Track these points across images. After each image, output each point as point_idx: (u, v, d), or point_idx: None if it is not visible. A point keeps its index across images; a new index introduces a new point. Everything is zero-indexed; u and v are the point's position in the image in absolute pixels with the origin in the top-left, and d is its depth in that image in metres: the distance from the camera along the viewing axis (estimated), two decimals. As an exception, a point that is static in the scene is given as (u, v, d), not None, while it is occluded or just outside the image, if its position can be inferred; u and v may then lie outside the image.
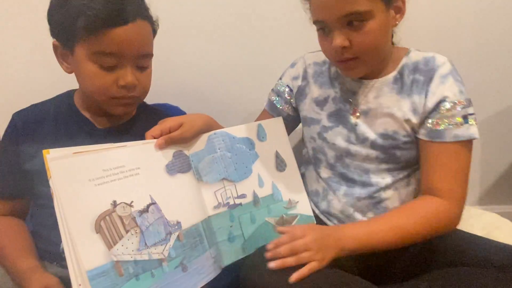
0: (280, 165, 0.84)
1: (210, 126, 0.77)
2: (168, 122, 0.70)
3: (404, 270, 0.74)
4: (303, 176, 0.90)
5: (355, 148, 0.79)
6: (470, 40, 1.20)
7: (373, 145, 0.77)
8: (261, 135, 0.83)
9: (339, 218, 0.82)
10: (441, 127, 0.71)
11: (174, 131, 0.69)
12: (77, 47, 0.66)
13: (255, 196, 0.78)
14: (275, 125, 0.86)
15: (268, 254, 0.63)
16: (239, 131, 0.80)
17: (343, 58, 0.71)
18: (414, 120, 0.73)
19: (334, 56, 0.73)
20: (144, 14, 0.68)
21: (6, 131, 0.75)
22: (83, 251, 0.52)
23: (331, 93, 0.83)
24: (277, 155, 0.84)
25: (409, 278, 0.72)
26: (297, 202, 0.84)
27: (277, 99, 0.91)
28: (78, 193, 0.54)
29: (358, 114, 0.79)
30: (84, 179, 0.55)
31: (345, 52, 0.70)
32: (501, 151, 1.31)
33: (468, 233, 0.76)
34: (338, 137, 0.80)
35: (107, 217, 0.55)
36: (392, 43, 0.80)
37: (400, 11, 0.72)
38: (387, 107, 0.76)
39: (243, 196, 0.77)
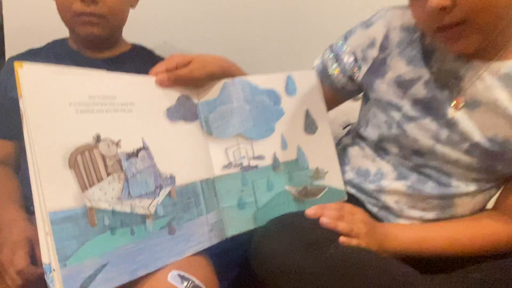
0: (310, 126, 0.70)
1: (227, 71, 0.65)
2: (175, 58, 0.59)
3: (454, 258, 0.61)
4: (347, 148, 0.76)
5: (443, 150, 0.61)
6: None
7: (471, 150, 0.59)
8: (290, 88, 0.69)
9: (387, 207, 0.67)
10: None
11: (182, 68, 0.58)
12: None
13: (275, 159, 0.66)
14: (309, 79, 0.72)
15: (309, 211, 0.58)
16: (264, 81, 0.67)
17: (444, 25, 0.51)
18: None
19: (430, 23, 0.53)
20: None
21: (0, 72, 0.77)
22: (49, 187, 0.42)
23: (423, 73, 0.61)
24: (307, 115, 0.70)
25: (458, 268, 0.60)
26: (326, 172, 0.70)
27: (334, 65, 0.70)
28: (54, 117, 0.44)
29: (461, 104, 0.59)
30: (63, 102, 0.45)
31: (445, 16, 0.50)
32: None
33: None
34: (423, 133, 0.61)
35: (86, 152, 0.46)
36: None
37: None
38: (504, 106, 0.56)
39: (260, 157, 0.65)
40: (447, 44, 0.55)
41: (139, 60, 0.77)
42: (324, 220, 0.56)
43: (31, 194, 0.62)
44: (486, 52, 0.56)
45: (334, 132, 0.92)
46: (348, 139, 0.78)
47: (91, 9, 0.67)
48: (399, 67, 0.63)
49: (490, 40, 0.54)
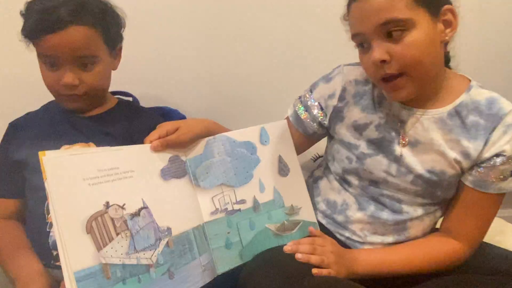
0: (283, 169, 0.82)
1: (210, 131, 0.76)
2: (165, 126, 0.70)
3: (409, 276, 0.72)
4: (318, 180, 0.87)
5: (393, 180, 0.74)
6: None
7: (415, 180, 0.72)
8: (264, 138, 0.81)
9: (354, 233, 0.79)
10: (489, 179, 0.67)
11: (171, 134, 0.69)
12: (35, 47, 0.75)
13: (255, 201, 0.77)
14: (279, 129, 0.84)
15: (287, 247, 0.67)
16: (241, 135, 0.79)
17: (385, 75, 0.64)
18: (465, 164, 0.69)
19: (375, 73, 0.66)
20: (81, 20, 0.71)
21: (3, 138, 0.84)
22: (72, 251, 0.52)
23: (374, 119, 0.74)
24: (280, 160, 0.82)
25: (413, 285, 0.71)
26: (300, 208, 0.81)
27: (305, 113, 0.82)
28: (71, 191, 0.55)
29: (405, 142, 0.72)
30: (78, 178, 0.56)
31: (386, 68, 0.63)
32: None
33: None
34: (377, 167, 0.74)
35: (99, 218, 0.56)
36: (449, 67, 0.74)
37: (450, 25, 0.64)
38: (438, 144, 0.69)
39: (242, 201, 0.76)
40: (390, 93, 0.68)
41: (125, 114, 0.85)
42: (298, 256, 0.66)
43: (35, 246, 0.72)
44: (422, 102, 0.71)
45: (306, 165, 1.05)
46: (319, 171, 0.90)
47: (73, 91, 0.75)
48: (355, 114, 0.77)
49: (423, 91, 0.68)
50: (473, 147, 0.67)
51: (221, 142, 0.76)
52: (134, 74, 1.07)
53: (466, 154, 0.68)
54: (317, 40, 1.13)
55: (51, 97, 0.82)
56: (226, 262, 0.71)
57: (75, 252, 0.52)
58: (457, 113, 0.69)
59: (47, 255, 0.71)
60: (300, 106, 0.84)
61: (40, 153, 0.54)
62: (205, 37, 1.15)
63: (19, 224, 0.79)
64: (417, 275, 0.71)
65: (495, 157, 0.66)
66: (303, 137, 0.86)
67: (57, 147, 0.76)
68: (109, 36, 0.78)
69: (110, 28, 0.78)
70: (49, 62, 0.73)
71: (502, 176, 0.67)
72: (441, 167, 0.70)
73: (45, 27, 0.69)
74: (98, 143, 0.78)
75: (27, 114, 0.86)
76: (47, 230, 0.72)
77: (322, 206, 0.84)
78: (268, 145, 0.81)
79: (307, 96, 0.83)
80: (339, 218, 0.80)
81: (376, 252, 0.75)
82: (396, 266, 0.71)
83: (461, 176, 0.71)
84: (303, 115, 0.83)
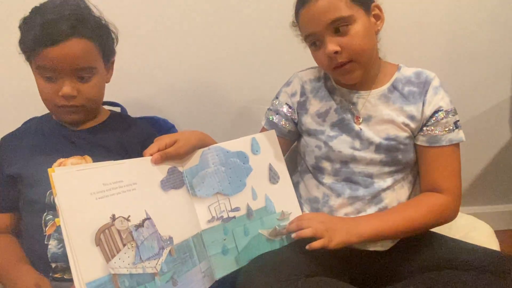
0: (273, 177, 0.86)
1: (204, 142, 0.80)
2: (164, 139, 0.73)
3: (390, 275, 0.79)
4: (297, 185, 0.93)
5: (360, 154, 0.83)
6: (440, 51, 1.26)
7: (378, 149, 0.82)
8: (255, 148, 0.85)
9: None
10: (438, 133, 0.80)
11: (170, 147, 0.72)
12: (31, 63, 0.77)
13: (248, 209, 0.81)
14: (269, 138, 0.88)
15: (284, 231, 0.81)
16: (233, 145, 0.82)
17: (338, 64, 0.77)
18: (413, 125, 0.81)
19: (329, 64, 0.78)
20: (80, 33, 0.74)
21: None
22: (83, 263, 0.54)
23: (332, 104, 0.87)
24: (271, 168, 0.86)
25: (394, 282, 0.77)
26: (290, 213, 0.86)
27: (277, 117, 0.92)
28: (80, 206, 0.57)
29: (360, 120, 0.84)
30: (86, 193, 0.58)
31: (338, 57, 0.76)
32: (475, 154, 1.36)
33: (448, 237, 0.84)
34: (343, 145, 0.84)
35: (106, 231, 0.58)
36: (379, 58, 0.87)
37: (379, 18, 0.81)
38: (387, 114, 0.82)
39: (236, 209, 0.79)
40: (341, 78, 0.82)
41: (118, 126, 0.88)
42: (293, 235, 0.75)
43: (33, 259, 0.74)
44: (366, 85, 0.85)
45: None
46: (296, 177, 0.96)
47: (72, 102, 0.77)
48: (316, 104, 0.89)
49: (367, 74, 0.82)
50: (415, 109, 0.81)
51: (215, 153, 0.80)
52: (121, 83, 1.08)
53: (411, 117, 0.81)
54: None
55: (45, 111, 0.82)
56: (224, 268, 0.74)
57: (86, 264, 0.54)
58: (394, 87, 0.84)
59: (46, 267, 0.72)
60: (271, 114, 0.94)
61: (49, 170, 0.55)
62: (194, 46, 1.18)
63: (14, 238, 0.79)
64: (417, 236, 0.79)
65: (435, 114, 0.80)
66: (281, 139, 0.92)
67: (52, 160, 0.77)
68: (105, 49, 0.80)
69: (106, 42, 0.80)
70: (48, 74, 0.74)
71: (447, 129, 0.80)
72: (394, 132, 0.82)
73: (47, 39, 0.71)
74: (93, 156, 0.80)
75: (18, 129, 0.87)
76: (45, 243, 0.72)
77: (307, 207, 0.89)
78: (259, 154, 0.85)
79: (275, 102, 0.94)
80: (324, 210, 0.86)
81: (374, 214, 0.81)
82: (397, 223, 0.77)
83: (414, 139, 0.83)
84: (276, 118, 0.92)
